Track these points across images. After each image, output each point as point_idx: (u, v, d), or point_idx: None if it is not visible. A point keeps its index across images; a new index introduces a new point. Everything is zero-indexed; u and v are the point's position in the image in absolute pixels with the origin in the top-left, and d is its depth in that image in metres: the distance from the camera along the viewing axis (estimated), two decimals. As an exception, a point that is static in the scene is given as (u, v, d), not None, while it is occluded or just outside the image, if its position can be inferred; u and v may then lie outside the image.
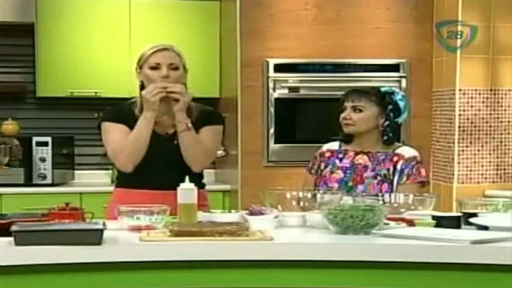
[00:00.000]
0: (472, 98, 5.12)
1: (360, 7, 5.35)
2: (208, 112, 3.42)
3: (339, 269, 2.46)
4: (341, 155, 3.53)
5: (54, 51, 5.62)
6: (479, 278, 2.44)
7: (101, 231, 2.43)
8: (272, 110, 5.29)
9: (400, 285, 2.47)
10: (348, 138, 3.55)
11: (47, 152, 5.44)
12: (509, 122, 5.20)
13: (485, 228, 2.70)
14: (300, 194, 3.00)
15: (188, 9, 5.76)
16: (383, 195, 3.11)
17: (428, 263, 2.43)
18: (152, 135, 3.24)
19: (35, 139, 5.46)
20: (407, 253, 2.44)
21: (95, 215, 2.87)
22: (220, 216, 2.87)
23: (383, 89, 3.56)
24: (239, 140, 5.27)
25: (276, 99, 5.29)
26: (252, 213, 2.83)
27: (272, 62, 5.28)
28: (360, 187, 3.40)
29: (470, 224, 2.80)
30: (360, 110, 3.47)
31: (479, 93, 5.13)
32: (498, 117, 5.18)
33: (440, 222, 2.77)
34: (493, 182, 5.18)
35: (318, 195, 3.01)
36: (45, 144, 5.46)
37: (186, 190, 2.80)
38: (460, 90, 5.10)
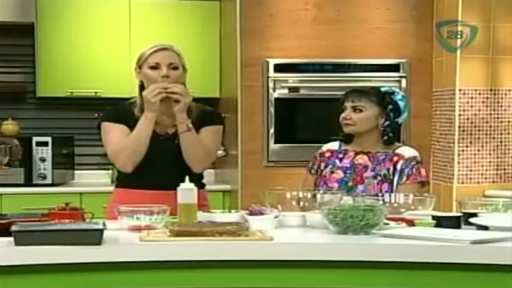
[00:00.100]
0: (472, 98, 5.12)
1: (360, 7, 5.35)
2: (208, 112, 3.42)
3: (339, 269, 2.46)
4: (341, 155, 3.53)
5: (54, 51, 5.62)
6: (479, 278, 2.44)
7: (101, 231, 2.43)
8: (272, 110, 5.29)
9: (400, 285, 2.47)
10: (348, 138, 3.55)
11: (47, 152, 5.44)
12: (509, 122, 5.20)
13: (485, 228, 2.70)
14: (300, 194, 3.00)
15: (189, 9, 5.76)
16: (383, 195, 3.11)
17: (428, 263, 2.43)
18: (152, 135, 3.23)
19: (35, 139, 5.46)
20: (407, 253, 2.44)
21: (95, 215, 2.86)
22: (220, 216, 2.87)
23: (383, 89, 3.56)
24: (239, 140, 5.28)
25: (276, 99, 5.29)
26: (252, 213, 2.83)
27: (272, 62, 5.28)
28: (360, 187, 3.40)
29: (470, 224, 2.80)
30: (360, 110, 3.47)
31: (479, 93, 5.13)
32: (498, 117, 5.18)
33: (440, 222, 2.77)
34: (493, 182, 5.18)
35: (318, 195, 3.01)
36: (45, 144, 5.46)
37: (186, 190, 2.80)
38: (460, 90, 5.10)
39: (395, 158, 3.45)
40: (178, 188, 2.81)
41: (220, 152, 5.28)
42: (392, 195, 3.10)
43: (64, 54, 5.62)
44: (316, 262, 2.45)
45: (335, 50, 5.33)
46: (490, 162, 5.18)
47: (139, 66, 3.33)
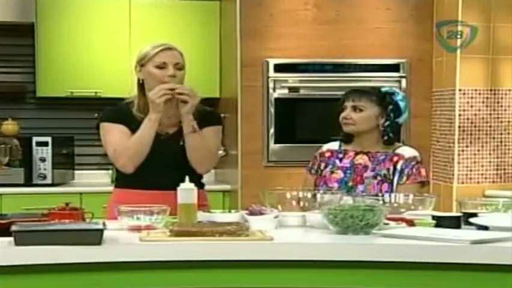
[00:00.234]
0: (472, 98, 5.12)
1: (360, 7, 5.35)
2: (207, 113, 3.41)
3: (339, 269, 2.46)
4: (340, 155, 3.53)
5: (54, 51, 5.62)
6: (479, 278, 2.44)
7: (101, 231, 2.42)
8: (272, 110, 5.29)
9: (400, 285, 2.47)
10: (348, 138, 3.55)
11: (47, 152, 5.44)
12: (509, 122, 5.20)
13: (485, 228, 2.70)
14: (300, 194, 3.00)
15: (189, 9, 5.76)
16: (383, 195, 3.11)
17: (428, 263, 2.43)
18: None
19: (35, 139, 5.46)
20: (407, 253, 2.44)
21: (95, 215, 2.86)
22: (220, 216, 2.87)
23: (383, 89, 3.56)
24: (239, 140, 5.27)
25: (276, 99, 5.29)
26: (252, 213, 2.83)
27: (272, 62, 5.28)
28: (360, 187, 3.40)
29: (470, 224, 2.80)
30: (361, 110, 3.47)
31: (479, 93, 5.13)
32: (498, 117, 5.18)
33: (440, 222, 2.77)
34: (493, 182, 5.18)
35: (318, 195, 3.01)
36: (45, 144, 5.46)
37: (186, 190, 2.80)
38: (460, 90, 5.10)
39: (395, 158, 3.45)
40: (178, 188, 2.81)
41: (220, 152, 5.27)
42: (392, 195, 3.10)
43: (64, 54, 5.62)
44: (316, 262, 2.45)
45: (335, 50, 5.33)
46: (490, 162, 5.18)
47: (141, 64, 3.31)
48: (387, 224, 2.71)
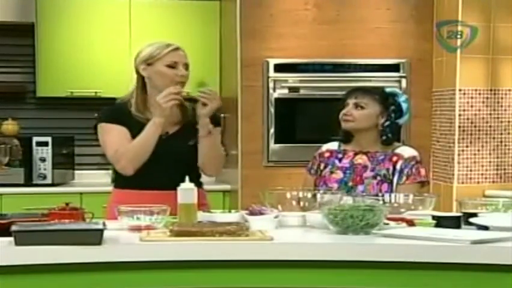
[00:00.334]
0: (472, 98, 5.12)
1: (360, 7, 5.35)
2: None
3: (339, 269, 2.46)
4: (340, 155, 3.53)
5: (54, 51, 5.63)
6: (479, 278, 2.44)
7: (101, 231, 2.42)
8: (272, 110, 5.29)
9: (400, 285, 2.47)
10: (347, 138, 3.55)
11: (47, 152, 5.45)
12: (509, 122, 5.20)
13: (485, 228, 2.70)
14: (300, 194, 3.00)
15: (189, 9, 5.76)
16: (383, 195, 3.11)
17: (428, 263, 2.43)
18: None
19: (35, 139, 5.46)
20: (407, 253, 2.44)
21: (95, 215, 2.86)
22: (220, 216, 2.87)
23: (387, 90, 3.56)
24: (239, 140, 5.27)
25: (276, 99, 5.29)
26: (252, 213, 2.83)
27: (272, 62, 5.28)
28: (360, 187, 3.40)
29: (470, 224, 2.80)
30: (362, 107, 3.46)
31: (479, 93, 5.13)
32: (498, 117, 5.18)
33: (440, 222, 2.77)
34: (493, 182, 5.18)
35: (318, 195, 3.01)
36: (45, 144, 5.46)
37: (186, 190, 2.80)
38: (460, 90, 5.10)
39: (395, 158, 3.45)
40: (178, 188, 2.81)
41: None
42: (392, 195, 3.10)
43: (64, 54, 5.63)
44: (316, 262, 2.45)
45: (335, 50, 5.33)
46: (490, 162, 5.18)
47: (149, 63, 3.28)
48: (387, 224, 2.71)
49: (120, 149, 3.22)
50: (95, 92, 5.64)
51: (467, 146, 5.14)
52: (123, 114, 3.29)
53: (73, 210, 2.86)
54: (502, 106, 5.18)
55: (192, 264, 2.43)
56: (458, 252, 2.44)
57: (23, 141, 5.42)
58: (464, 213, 2.90)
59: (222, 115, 5.34)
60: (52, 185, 5.45)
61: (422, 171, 3.45)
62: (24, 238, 2.38)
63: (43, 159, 5.42)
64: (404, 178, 3.41)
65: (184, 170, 2.98)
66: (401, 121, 3.52)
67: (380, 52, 5.37)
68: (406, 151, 3.49)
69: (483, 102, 5.14)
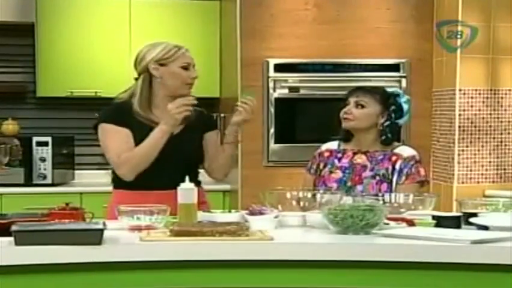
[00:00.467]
0: (472, 98, 5.12)
1: (360, 7, 5.35)
2: (208, 117, 3.45)
3: (339, 269, 2.46)
4: (339, 155, 3.53)
5: (54, 51, 5.63)
6: (479, 278, 2.44)
7: (101, 231, 2.42)
8: (272, 110, 5.29)
9: (400, 285, 2.47)
10: (347, 137, 3.55)
11: (47, 152, 5.44)
12: (509, 122, 5.20)
13: (485, 228, 2.70)
14: (300, 194, 3.00)
15: (189, 9, 5.76)
16: (383, 195, 3.10)
17: (428, 263, 2.43)
18: None
19: (35, 139, 5.46)
20: (407, 253, 2.44)
21: (95, 215, 2.86)
22: (220, 216, 2.87)
23: (389, 90, 3.56)
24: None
25: (276, 99, 5.29)
26: (252, 213, 2.83)
27: (272, 61, 5.28)
28: (359, 187, 3.40)
29: (470, 224, 2.80)
30: (363, 106, 3.46)
31: (479, 93, 5.13)
32: (498, 117, 5.18)
33: (440, 222, 2.77)
34: (493, 182, 5.18)
35: (318, 195, 3.01)
36: (45, 144, 5.46)
37: (186, 190, 2.80)
38: (460, 90, 5.10)
39: (394, 158, 3.44)
40: (178, 188, 2.80)
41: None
42: (392, 195, 3.10)
43: (64, 54, 5.63)
44: (316, 262, 2.45)
45: (335, 50, 5.32)
46: (490, 162, 5.18)
47: (161, 63, 3.26)
48: (387, 224, 2.71)
49: (123, 155, 3.19)
50: (95, 92, 5.64)
51: (467, 146, 5.14)
52: (125, 114, 3.26)
53: (73, 210, 2.86)
54: (502, 106, 5.18)
55: (192, 264, 2.43)
56: (458, 252, 2.44)
57: (23, 141, 5.42)
58: (464, 213, 2.90)
59: (222, 115, 5.35)
60: (52, 185, 5.45)
61: (422, 170, 3.45)
62: (24, 238, 2.38)
63: (43, 159, 5.42)
64: (404, 178, 3.41)
65: (185, 170, 2.97)
66: (401, 121, 3.52)
67: (380, 52, 5.37)
68: (405, 151, 3.49)
69: (483, 102, 5.14)
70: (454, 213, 2.95)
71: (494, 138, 5.18)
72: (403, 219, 2.79)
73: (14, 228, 2.42)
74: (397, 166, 3.43)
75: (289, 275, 2.47)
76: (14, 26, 5.69)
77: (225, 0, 5.69)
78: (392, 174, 3.41)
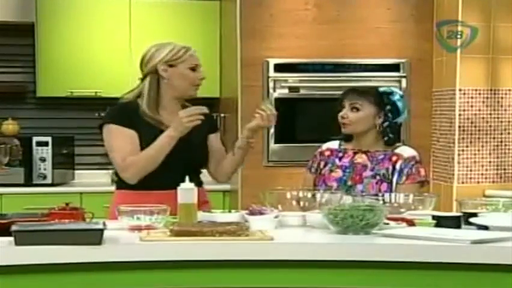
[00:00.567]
0: (472, 98, 5.12)
1: (360, 7, 5.35)
2: (210, 118, 3.42)
3: (339, 269, 2.46)
4: (340, 154, 3.53)
5: (54, 51, 5.62)
6: (479, 278, 2.44)
7: (101, 231, 2.42)
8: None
9: (400, 285, 2.47)
10: (347, 137, 3.55)
11: (47, 152, 5.44)
12: (509, 122, 5.20)
13: (485, 228, 2.70)
14: (300, 194, 3.00)
15: (189, 9, 5.76)
16: (383, 195, 3.11)
17: (428, 263, 2.43)
18: (158, 135, 3.17)
19: (35, 139, 5.46)
20: (407, 253, 2.44)
21: (95, 215, 2.86)
22: (220, 216, 2.87)
23: (381, 89, 3.55)
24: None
25: (276, 99, 5.29)
26: (252, 213, 2.83)
27: (272, 61, 5.28)
28: (359, 186, 3.40)
29: (470, 224, 2.80)
30: (358, 109, 3.46)
31: (479, 93, 5.13)
32: (498, 117, 5.18)
33: (440, 222, 2.77)
34: (493, 182, 5.18)
35: (318, 195, 3.01)
36: (45, 144, 5.46)
37: (186, 190, 2.80)
38: (460, 90, 5.10)
39: (394, 158, 3.45)
40: (178, 188, 2.80)
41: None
42: (392, 195, 3.10)
43: (64, 54, 5.63)
44: (316, 262, 2.45)
45: (335, 50, 5.32)
46: (490, 162, 5.18)
47: (170, 64, 3.25)
48: (387, 224, 2.71)
49: (128, 159, 3.17)
50: (95, 92, 5.64)
51: (467, 146, 5.14)
52: (131, 115, 3.23)
53: (73, 210, 2.86)
54: (502, 106, 5.18)
55: (192, 264, 2.43)
56: (458, 252, 2.44)
57: (23, 141, 5.42)
58: (464, 213, 2.90)
59: (222, 115, 5.35)
60: (52, 185, 5.45)
61: (422, 171, 3.45)
62: (24, 238, 2.38)
63: (43, 159, 5.42)
64: (404, 178, 3.41)
65: (187, 171, 2.95)
66: (400, 120, 3.52)
67: (380, 52, 5.37)
68: (406, 151, 3.49)
69: (483, 102, 5.14)
70: (454, 213, 2.95)
71: (494, 138, 5.18)
72: (403, 219, 2.79)
73: (14, 228, 2.42)
74: (397, 166, 3.43)
75: (289, 275, 2.47)
76: (14, 26, 5.69)
77: (225, 0, 5.69)
78: (392, 174, 3.42)
